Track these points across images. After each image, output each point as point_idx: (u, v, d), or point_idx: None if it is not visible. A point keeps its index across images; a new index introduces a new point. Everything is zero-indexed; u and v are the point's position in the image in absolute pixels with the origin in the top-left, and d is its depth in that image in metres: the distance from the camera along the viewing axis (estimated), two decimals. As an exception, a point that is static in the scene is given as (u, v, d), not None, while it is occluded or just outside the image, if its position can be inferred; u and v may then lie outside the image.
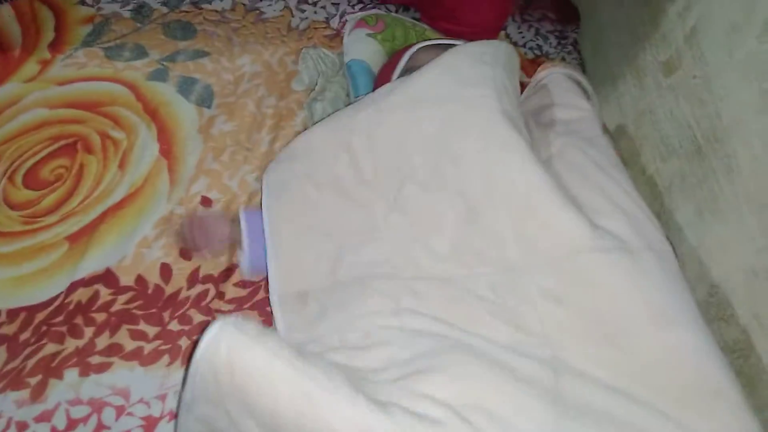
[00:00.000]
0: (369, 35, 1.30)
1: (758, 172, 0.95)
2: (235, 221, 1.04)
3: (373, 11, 1.39)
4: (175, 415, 0.90)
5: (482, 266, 0.89)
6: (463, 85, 0.98)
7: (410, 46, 1.21)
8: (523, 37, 1.57)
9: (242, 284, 1.04)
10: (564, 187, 0.91)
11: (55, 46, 1.20)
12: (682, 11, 1.16)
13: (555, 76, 1.17)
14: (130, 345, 0.95)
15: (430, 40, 1.26)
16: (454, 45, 1.19)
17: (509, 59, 1.06)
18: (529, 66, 1.50)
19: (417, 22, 1.43)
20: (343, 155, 0.99)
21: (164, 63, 1.23)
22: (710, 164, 1.05)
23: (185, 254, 1.05)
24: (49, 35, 1.21)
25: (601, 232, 0.87)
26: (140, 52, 1.24)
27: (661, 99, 1.22)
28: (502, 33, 1.55)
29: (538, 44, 1.56)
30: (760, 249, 0.93)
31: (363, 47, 1.29)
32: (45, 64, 1.17)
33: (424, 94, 0.98)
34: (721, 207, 1.02)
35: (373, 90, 1.20)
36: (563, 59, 1.53)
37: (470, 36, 1.29)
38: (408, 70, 1.15)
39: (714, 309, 1.01)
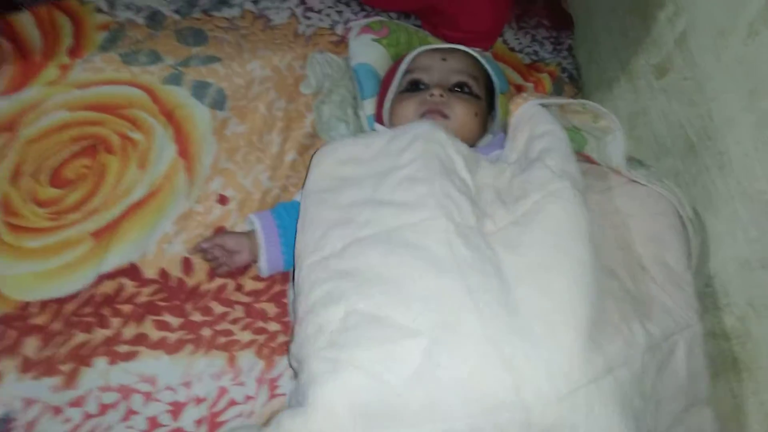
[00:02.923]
0: (374, 40, 1.35)
1: (749, 168, 1.00)
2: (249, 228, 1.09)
3: (377, 18, 1.44)
4: (200, 400, 0.95)
5: None
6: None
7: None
8: (519, 43, 1.62)
9: (259, 278, 1.09)
10: None
11: (74, 51, 1.23)
12: (672, 17, 1.22)
13: (528, 108, 1.11)
14: (155, 335, 0.99)
15: (431, 45, 1.31)
16: (454, 48, 1.24)
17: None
18: (526, 71, 1.56)
19: (419, 29, 1.48)
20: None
21: (178, 67, 1.27)
22: (703, 161, 1.10)
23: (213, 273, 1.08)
24: (67, 41, 1.24)
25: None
26: (155, 57, 1.28)
27: (653, 101, 1.27)
28: (500, 39, 1.60)
29: (534, 50, 1.62)
30: (753, 240, 0.98)
31: (369, 51, 1.34)
32: (65, 68, 1.20)
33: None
34: (714, 202, 1.07)
35: (380, 90, 1.26)
36: (559, 64, 1.59)
37: (470, 42, 1.34)
38: (409, 72, 1.21)
39: (710, 299, 1.06)
